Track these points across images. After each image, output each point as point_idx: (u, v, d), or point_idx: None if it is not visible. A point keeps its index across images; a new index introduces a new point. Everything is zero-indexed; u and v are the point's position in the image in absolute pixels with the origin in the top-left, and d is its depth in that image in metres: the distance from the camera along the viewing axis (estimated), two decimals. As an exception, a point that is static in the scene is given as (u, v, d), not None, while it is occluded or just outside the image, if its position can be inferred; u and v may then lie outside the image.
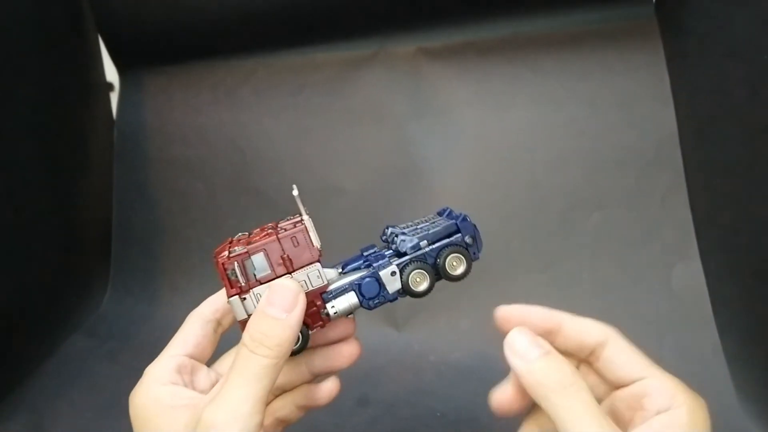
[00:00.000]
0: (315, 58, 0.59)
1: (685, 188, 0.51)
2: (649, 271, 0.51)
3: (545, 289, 0.53)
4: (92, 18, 0.61)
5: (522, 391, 0.27)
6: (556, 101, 0.54)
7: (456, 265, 0.30)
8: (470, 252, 0.30)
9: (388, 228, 0.31)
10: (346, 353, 0.31)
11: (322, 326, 0.29)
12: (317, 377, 0.32)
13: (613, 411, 0.28)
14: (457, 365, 0.52)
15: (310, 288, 0.28)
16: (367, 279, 0.29)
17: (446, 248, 0.29)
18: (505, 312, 0.29)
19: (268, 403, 0.29)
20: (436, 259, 0.29)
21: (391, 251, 0.30)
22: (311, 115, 0.60)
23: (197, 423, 0.25)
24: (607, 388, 0.29)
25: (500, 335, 0.28)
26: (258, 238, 0.29)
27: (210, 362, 0.31)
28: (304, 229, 0.28)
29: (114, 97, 0.67)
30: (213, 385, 0.30)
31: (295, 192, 0.28)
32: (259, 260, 0.28)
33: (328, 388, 0.32)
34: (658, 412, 0.26)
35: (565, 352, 0.28)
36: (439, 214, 0.32)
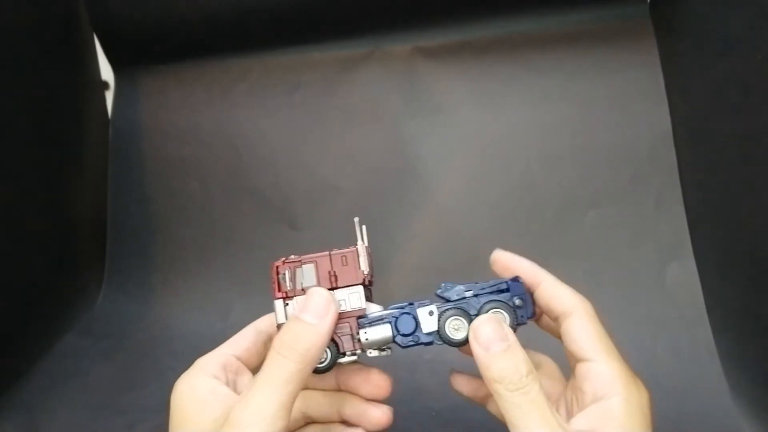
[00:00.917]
0: (310, 57, 0.59)
1: (679, 187, 0.51)
2: (643, 270, 0.51)
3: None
4: (87, 16, 0.61)
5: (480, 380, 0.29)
6: (551, 100, 0.54)
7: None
8: (517, 314, 0.29)
9: (443, 283, 0.31)
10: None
11: (353, 351, 0.29)
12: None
13: (572, 386, 0.29)
14: (452, 364, 0.52)
15: (348, 308, 0.29)
16: (404, 314, 0.29)
17: (491, 303, 0.29)
18: (500, 256, 0.32)
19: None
20: (478, 312, 0.29)
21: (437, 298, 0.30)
22: (307, 114, 0.60)
23: (225, 421, 0.25)
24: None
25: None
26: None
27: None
28: (356, 251, 0.30)
29: (109, 96, 0.67)
30: None
31: (357, 221, 0.30)
32: (308, 271, 0.30)
33: (377, 415, 0.31)
34: (594, 399, 0.27)
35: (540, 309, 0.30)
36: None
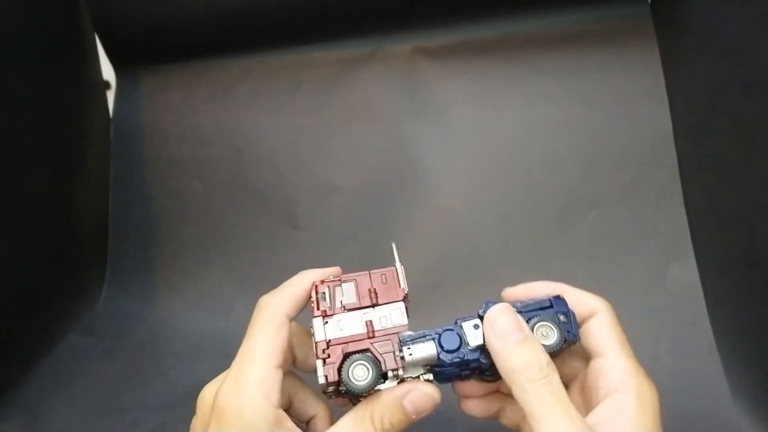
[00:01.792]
0: (312, 56, 0.59)
1: (680, 187, 0.51)
2: (644, 270, 0.51)
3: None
4: (89, 16, 0.61)
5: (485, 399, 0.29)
6: (552, 100, 0.54)
7: (546, 335, 0.28)
8: (563, 328, 0.28)
9: (484, 302, 0.30)
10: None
11: (395, 371, 0.27)
12: None
13: (582, 386, 0.29)
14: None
15: (390, 325, 0.28)
16: (448, 330, 0.28)
17: (535, 317, 0.28)
18: (510, 292, 0.31)
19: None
20: None
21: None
22: (308, 114, 0.60)
23: None
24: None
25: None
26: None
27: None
28: (395, 269, 0.30)
29: (110, 96, 0.67)
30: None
31: (394, 245, 0.31)
32: (348, 288, 0.29)
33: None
34: (607, 394, 0.27)
35: None
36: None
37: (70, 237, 0.60)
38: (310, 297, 0.29)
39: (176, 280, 0.63)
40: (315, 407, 0.32)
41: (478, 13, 0.54)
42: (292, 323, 0.30)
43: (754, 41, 0.40)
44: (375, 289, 0.29)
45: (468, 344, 0.28)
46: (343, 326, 0.28)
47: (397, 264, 0.30)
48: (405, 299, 0.29)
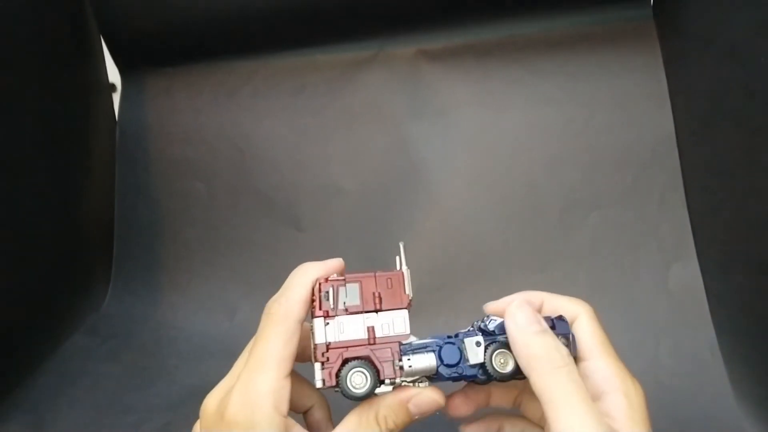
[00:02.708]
0: (315, 59, 0.60)
1: (682, 188, 0.51)
2: (646, 271, 0.51)
3: (542, 289, 0.53)
4: (94, 19, 0.62)
5: (471, 398, 0.30)
6: (554, 102, 0.54)
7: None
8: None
9: (485, 317, 0.30)
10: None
11: (393, 379, 0.27)
12: None
13: None
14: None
15: (392, 333, 0.28)
16: (449, 343, 0.28)
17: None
18: (490, 306, 0.31)
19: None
20: None
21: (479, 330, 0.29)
22: (311, 116, 0.60)
23: None
24: None
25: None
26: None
27: None
28: (401, 274, 0.29)
29: (116, 98, 0.67)
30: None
31: (401, 245, 0.30)
32: (352, 290, 0.29)
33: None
34: (595, 397, 0.27)
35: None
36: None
37: (76, 238, 0.61)
38: (313, 294, 0.29)
39: (181, 281, 0.63)
40: (311, 398, 0.32)
41: (479, 15, 0.54)
42: None
43: (755, 44, 0.40)
44: (379, 293, 0.28)
45: (468, 360, 0.28)
46: (344, 329, 0.28)
47: (404, 268, 0.29)
48: (408, 305, 0.29)
